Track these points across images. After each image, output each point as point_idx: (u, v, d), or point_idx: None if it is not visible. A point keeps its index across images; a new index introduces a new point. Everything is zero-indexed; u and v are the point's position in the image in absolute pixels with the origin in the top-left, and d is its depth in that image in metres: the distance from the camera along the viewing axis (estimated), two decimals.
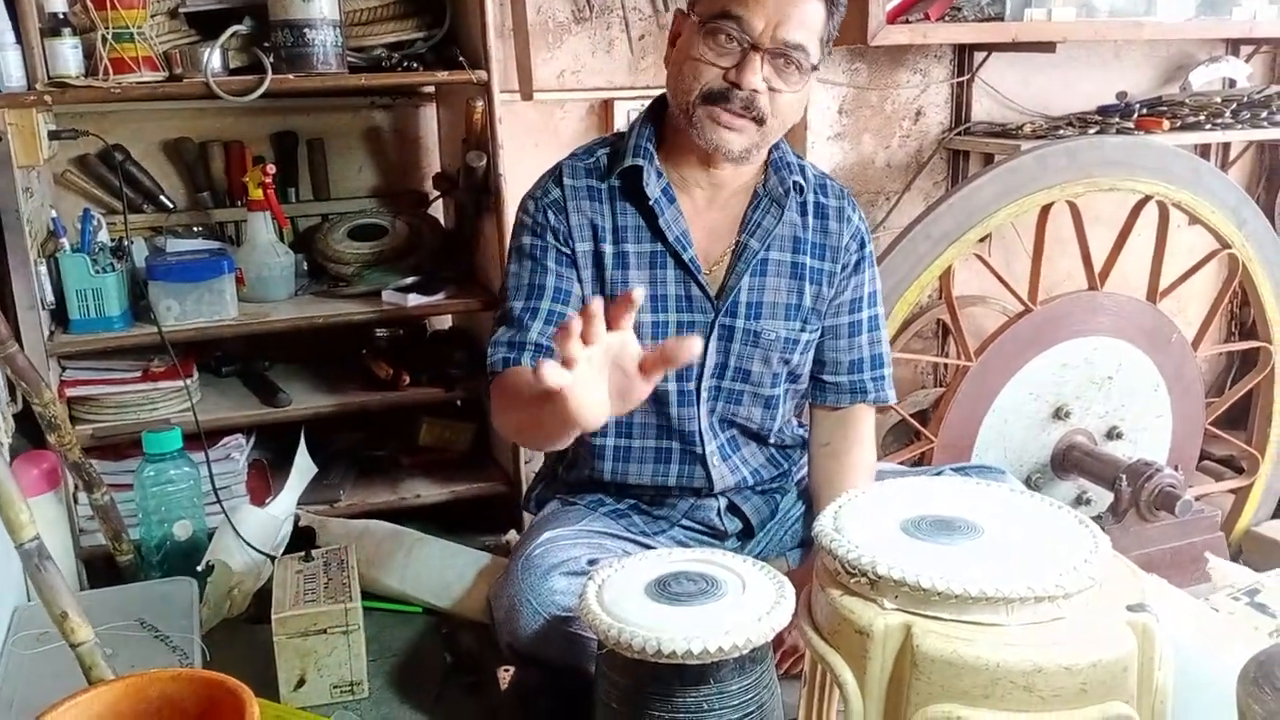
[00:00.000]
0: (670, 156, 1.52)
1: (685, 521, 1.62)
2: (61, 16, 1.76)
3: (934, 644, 0.99)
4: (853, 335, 1.61)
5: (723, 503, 1.62)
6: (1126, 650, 1.00)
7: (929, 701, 0.98)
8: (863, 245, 1.60)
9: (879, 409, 1.70)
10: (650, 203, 1.48)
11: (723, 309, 1.52)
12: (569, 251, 1.50)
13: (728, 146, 1.43)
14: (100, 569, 1.89)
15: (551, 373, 0.99)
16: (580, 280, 1.51)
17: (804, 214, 1.55)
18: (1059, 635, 0.99)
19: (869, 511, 1.15)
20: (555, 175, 1.54)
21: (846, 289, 1.59)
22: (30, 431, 1.80)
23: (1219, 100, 2.69)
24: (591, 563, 1.42)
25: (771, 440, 1.62)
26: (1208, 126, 2.61)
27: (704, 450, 1.56)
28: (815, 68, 1.43)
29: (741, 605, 1.13)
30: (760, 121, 1.42)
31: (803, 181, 1.54)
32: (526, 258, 1.52)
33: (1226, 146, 2.96)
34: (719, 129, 1.42)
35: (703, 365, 1.53)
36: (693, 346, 1.07)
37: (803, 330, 1.56)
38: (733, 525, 1.63)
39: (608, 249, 1.51)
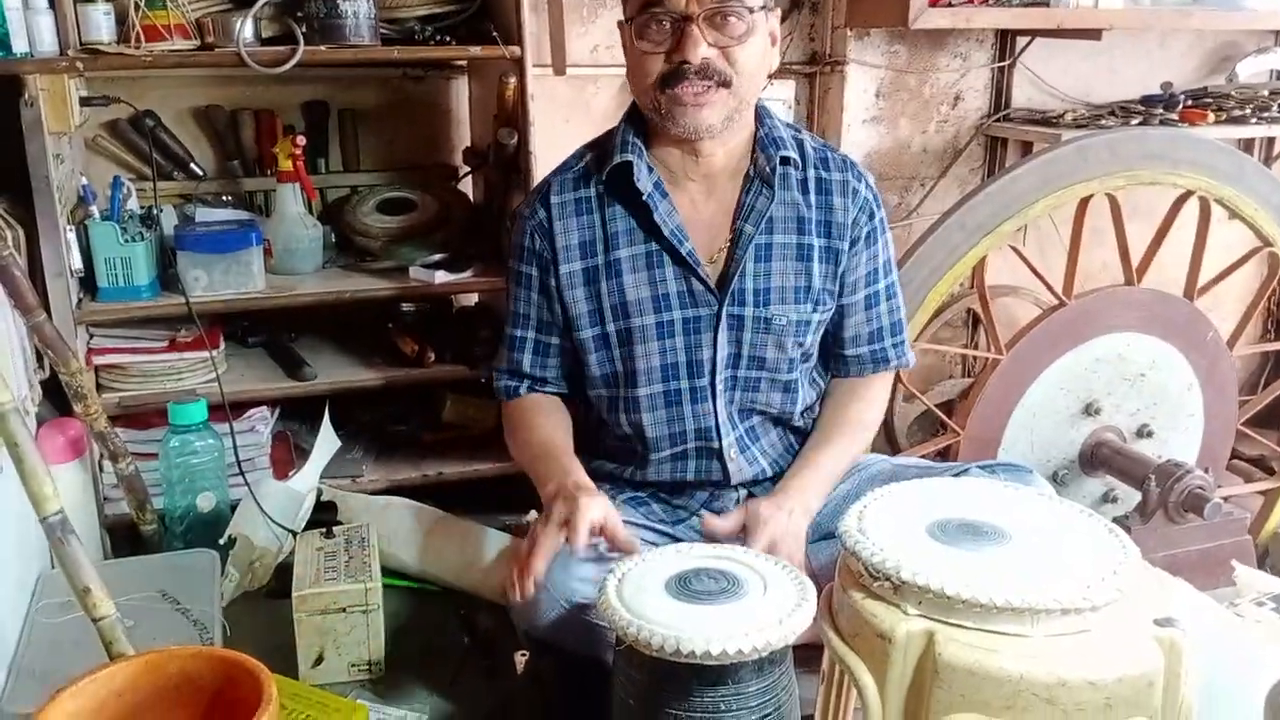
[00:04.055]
0: (658, 153, 1.51)
1: (704, 512, 1.60)
2: None
3: (956, 652, 0.97)
4: (870, 307, 1.60)
5: (741, 494, 1.60)
6: (1153, 666, 0.98)
7: (949, 710, 0.97)
8: (872, 216, 1.57)
9: (905, 400, 1.68)
10: (644, 197, 1.47)
11: (727, 299, 1.50)
12: (552, 281, 1.53)
13: (706, 123, 1.42)
14: (124, 537, 1.90)
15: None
16: (565, 303, 1.53)
17: (805, 191, 1.53)
18: (1084, 648, 0.98)
19: (895, 513, 1.13)
20: (543, 193, 1.55)
21: (860, 263, 1.57)
22: (57, 399, 1.80)
23: (1266, 93, 2.63)
24: (611, 550, 1.41)
25: (795, 423, 1.61)
26: (1253, 120, 2.55)
27: (721, 444, 1.55)
28: (763, 8, 1.42)
29: (762, 606, 1.12)
30: (726, 84, 1.41)
31: (796, 156, 1.52)
32: (517, 284, 1.57)
33: (1271, 141, 2.89)
34: (688, 109, 1.41)
35: (714, 358, 1.51)
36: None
37: (814, 311, 1.55)
38: None
39: (599, 261, 1.51)
